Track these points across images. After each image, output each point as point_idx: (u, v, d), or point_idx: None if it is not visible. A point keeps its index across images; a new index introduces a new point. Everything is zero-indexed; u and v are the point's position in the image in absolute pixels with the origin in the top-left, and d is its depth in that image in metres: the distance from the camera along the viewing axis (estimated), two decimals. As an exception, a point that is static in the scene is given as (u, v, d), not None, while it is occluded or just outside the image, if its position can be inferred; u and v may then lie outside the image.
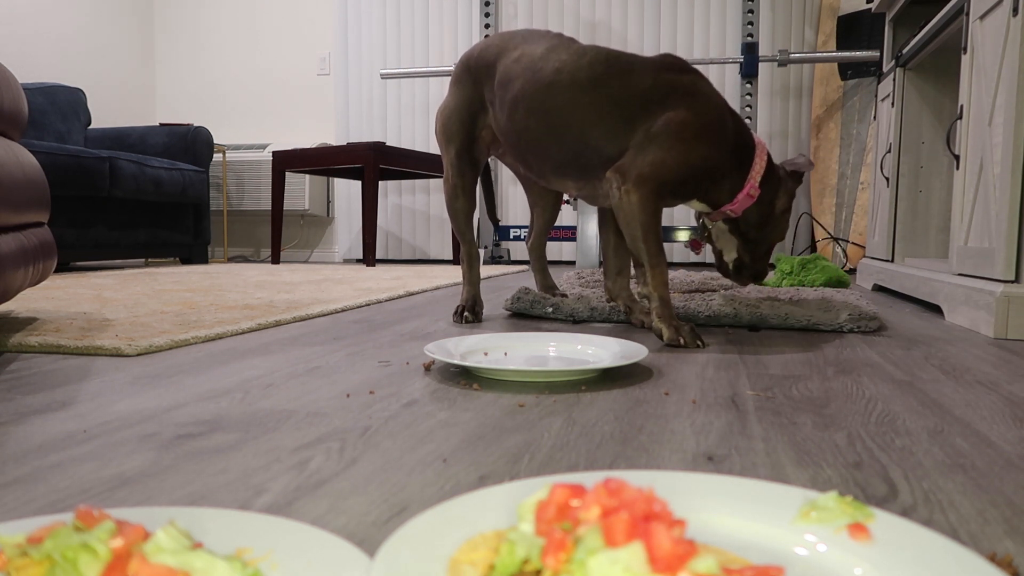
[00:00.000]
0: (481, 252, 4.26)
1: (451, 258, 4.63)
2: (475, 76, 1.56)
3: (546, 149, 1.44)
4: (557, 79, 1.40)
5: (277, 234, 4.12)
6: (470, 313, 1.58)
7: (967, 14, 1.66)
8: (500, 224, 4.44)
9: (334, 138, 4.87)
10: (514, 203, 4.50)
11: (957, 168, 1.68)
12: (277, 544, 0.40)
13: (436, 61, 4.56)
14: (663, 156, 1.31)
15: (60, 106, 3.95)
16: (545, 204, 1.79)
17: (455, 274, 3.14)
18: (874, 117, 2.80)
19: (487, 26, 4.14)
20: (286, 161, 3.96)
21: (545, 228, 1.81)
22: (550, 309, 1.63)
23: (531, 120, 1.44)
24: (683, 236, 3.85)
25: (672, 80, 1.36)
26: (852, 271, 3.63)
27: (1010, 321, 1.39)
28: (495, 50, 1.54)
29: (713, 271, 3.41)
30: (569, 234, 4.04)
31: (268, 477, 0.59)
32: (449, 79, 4.54)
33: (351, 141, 4.68)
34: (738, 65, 3.78)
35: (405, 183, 4.72)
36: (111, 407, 0.82)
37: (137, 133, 4.19)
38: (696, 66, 4.15)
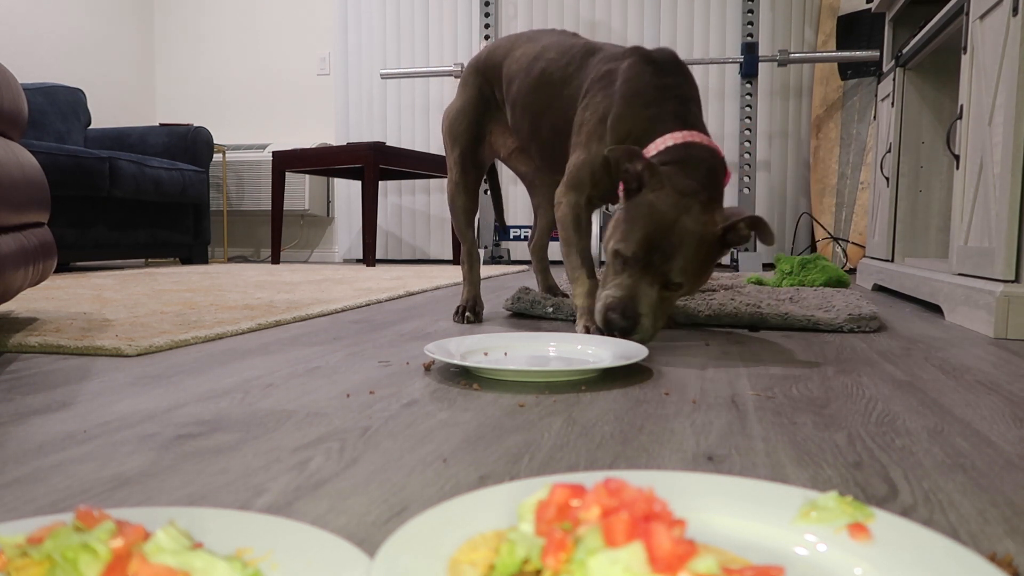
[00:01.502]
0: (481, 252, 4.26)
1: (451, 258, 4.63)
2: (484, 77, 1.56)
3: (540, 147, 1.44)
4: (541, 79, 1.41)
5: (277, 234, 4.12)
6: (470, 313, 1.58)
7: (967, 14, 1.66)
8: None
9: (334, 138, 4.86)
10: (514, 203, 4.50)
11: (957, 168, 1.68)
12: (277, 544, 0.40)
13: (436, 61, 4.56)
14: (573, 164, 1.30)
15: (60, 106, 3.95)
16: (548, 205, 1.79)
17: (455, 274, 3.14)
18: (874, 117, 2.81)
19: (487, 26, 4.14)
20: (286, 161, 3.96)
21: (548, 229, 1.82)
22: (550, 309, 1.63)
23: (525, 121, 1.44)
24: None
25: (604, 72, 1.30)
26: (852, 271, 3.63)
27: (1010, 321, 1.39)
28: (503, 51, 1.53)
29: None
30: (569, 234, 4.04)
31: (268, 477, 0.59)
32: (449, 79, 4.56)
33: (351, 141, 4.68)
34: (738, 65, 3.78)
35: (405, 183, 4.72)
36: (111, 407, 0.82)
37: (137, 133, 4.19)
38: (696, 66, 4.15)
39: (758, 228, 1.09)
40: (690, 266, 1.10)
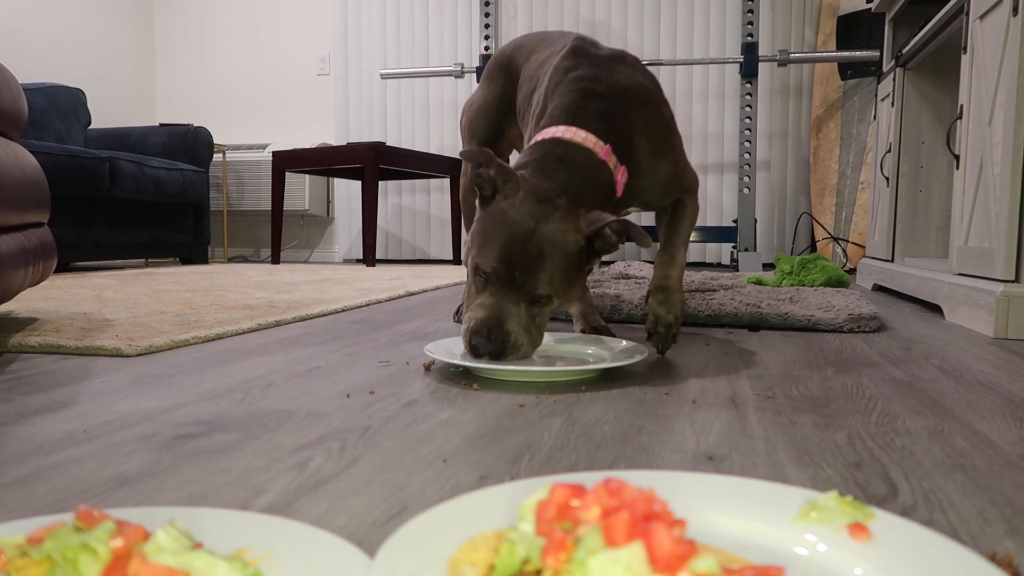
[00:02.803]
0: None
1: (451, 258, 4.63)
2: (507, 74, 1.53)
3: None
4: (536, 84, 1.39)
5: (277, 234, 4.12)
6: (471, 313, 1.57)
7: (967, 14, 1.66)
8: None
9: (334, 138, 4.86)
10: (514, 203, 4.49)
11: (957, 168, 1.68)
12: (277, 544, 0.40)
13: (436, 61, 4.55)
14: None
15: (60, 106, 3.95)
16: None
17: (455, 274, 3.14)
18: (874, 117, 2.81)
19: (487, 26, 4.13)
20: (286, 161, 3.96)
21: None
22: (550, 309, 1.62)
23: (525, 128, 1.44)
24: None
25: (548, 67, 1.28)
26: (852, 271, 3.63)
27: (1010, 321, 1.39)
28: (525, 53, 1.49)
29: (713, 271, 3.41)
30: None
31: (268, 477, 0.59)
32: (449, 79, 4.56)
33: (351, 141, 4.68)
34: (738, 65, 3.78)
35: (405, 183, 4.72)
36: (111, 407, 0.82)
37: (137, 133, 4.19)
38: (696, 66, 4.15)
39: (628, 232, 0.97)
40: (556, 278, 0.97)
